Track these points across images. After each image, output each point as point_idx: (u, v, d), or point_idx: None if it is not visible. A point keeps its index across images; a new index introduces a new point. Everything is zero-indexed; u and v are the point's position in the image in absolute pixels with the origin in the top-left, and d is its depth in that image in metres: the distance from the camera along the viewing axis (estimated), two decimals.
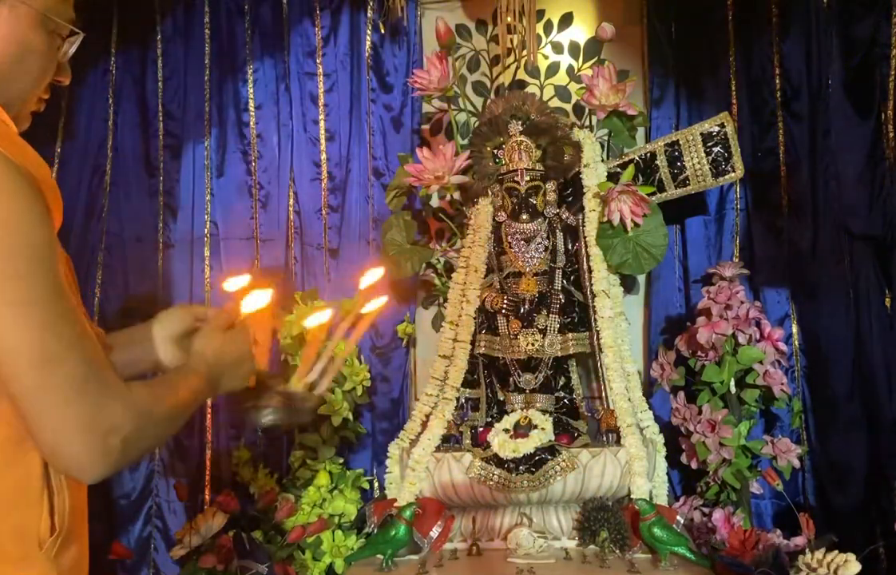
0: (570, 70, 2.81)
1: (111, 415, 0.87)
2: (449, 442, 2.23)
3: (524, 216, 2.35)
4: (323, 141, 2.88)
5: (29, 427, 0.86)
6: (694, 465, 2.37)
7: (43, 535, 0.91)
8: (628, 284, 2.61)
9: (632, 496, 2.08)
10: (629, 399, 2.25)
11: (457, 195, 2.50)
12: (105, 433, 0.86)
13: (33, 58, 0.98)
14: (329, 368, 1.29)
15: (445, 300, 2.47)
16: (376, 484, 2.67)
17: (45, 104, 1.07)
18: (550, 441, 2.11)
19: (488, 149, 2.39)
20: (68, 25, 1.02)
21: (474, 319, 2.35)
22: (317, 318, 1.32)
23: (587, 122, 2.70)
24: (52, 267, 0.86)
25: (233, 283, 1.32)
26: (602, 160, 2.44)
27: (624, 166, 2.41)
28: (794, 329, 2.58)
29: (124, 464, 0.92)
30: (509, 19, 2.58)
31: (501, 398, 2.37)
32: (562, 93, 2.81)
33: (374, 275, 1.34)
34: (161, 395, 0.98)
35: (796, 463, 2.34)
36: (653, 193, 2.36)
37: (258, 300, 1.23)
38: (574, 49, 2.82)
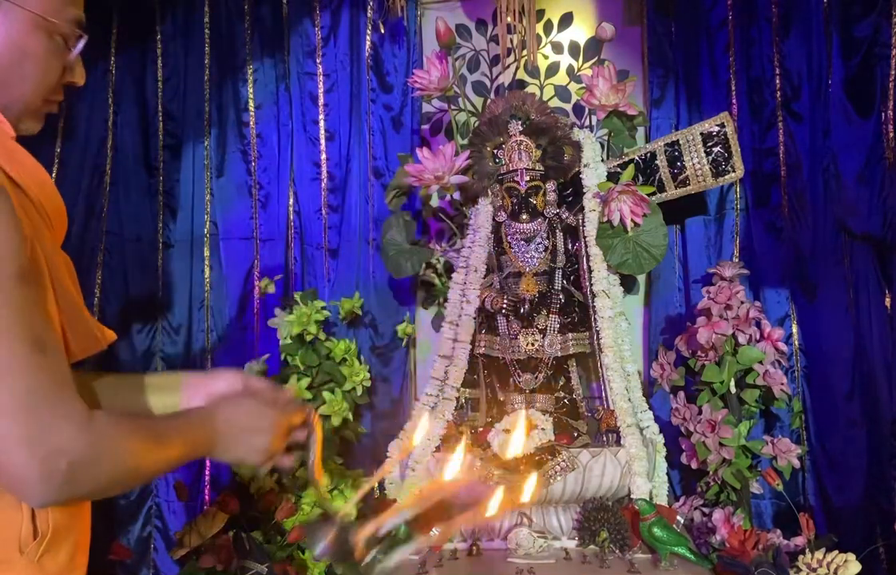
0: (570, 70, 2.82)
1: (58, 435, 0.81)
2: (449, 442, 2.23)
3: (524, 216, 2.35)
4: (323, 141, 2.88)
5: None
6: (694, 465, 2.37)
7: (24, 539, 0.88)
8: (628, 284, 2.61)
9: (632, 496, 2.08)
10: (629, 399, 2.25)
11: (457, 195, 2.50)
12: (49, 453, 0.80)
13: (31, 61, 0.95)
14: (392, 537, 1.05)
15: (445, 300, 2.47)
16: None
17: (57, 106, 1.03)
18: (550, 441, 2.11)
19: (488, 149, 2.39)
20: (69, 27, 0.98)
21: (474, 318, 2.35)
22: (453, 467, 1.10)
23: (587, 122, 2.70)
24: (10, 275, 0.82)
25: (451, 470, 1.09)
26: (602, 160, 2.44)
27: (624, 166, 2.41)
28: (794, 329, 2.58)
29: (74, 494, 0.85)
30: (509, 19, 2.58)
31: (501, 398, 2.37)
32: (562, 93, 2.81)
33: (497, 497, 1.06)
34: (136, 433, 0.90)
35: (796, 463, 2.34)
36: (653, 193, 2.36)
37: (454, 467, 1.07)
38: (574, 49, 2.82)
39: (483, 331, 2.35)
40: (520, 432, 1.41)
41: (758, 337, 2.36)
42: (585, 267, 2.36)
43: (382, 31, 2.86)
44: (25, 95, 0.96)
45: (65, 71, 1.01)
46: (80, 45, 1.00)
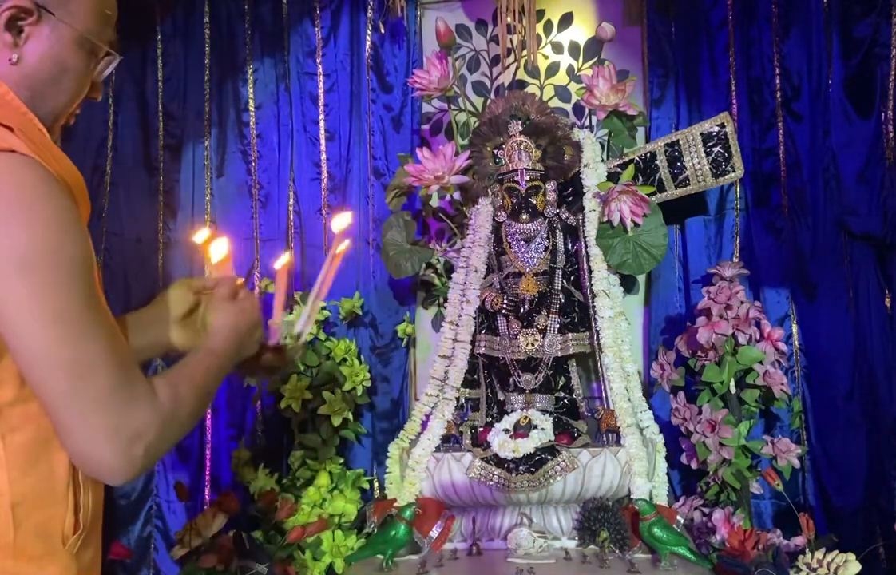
0: (570, 70, 2.82)
1: (137, 421, 0.88)
2: (449, 442, 2.23)
3: (524, 216, 2.35)
4: (323, 141, 2.88)
5: (58, 432, 0.87)
6: (694, 465, 2.37)
7: (67, 532, 0.93)
8: (628, 284, 2.61)
9: (632, 496, 2.08)
10: (629, 399, 2.25)
11: (457, 195, 2.50)
12: (131, 439, 0.87)
13: (69, 76, 1.00)
14: (312, 313, 1.31)
15: (445, 300, 2.47)
16: (376, 484, 2.67)
17: (74, 119, 1.09)
18: (550, 441, 2.11)
19: (488, 149, 2.39)
20: (106, 47, 1.04)
21: (474, 319, 2.35)
22: (339, 221, 1.35)
23: (587, 122, 2.70)
24: (88, 276, 0.88)
25: (199, 236, 1.36)
26: (602, 160, 2.44)
27: (624, 166, 2.41)
28: (794, 329, 2.58)
29: (150, 466, 0.95)
30: (509, 19, 2.58)
31: (501, 398, 2.37)
32: (562, 93, 2.81)
33: (343, 219, 1.37)
34: (183, 391, 0.98)
35: (796, 463, 2.34)
36: (653, 193, 2.36)
37: (219, 249, 1.26)
38: (574, 49, 2.82)
39: (483, 331, 2.35)
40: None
41: (758, 337, 2.36)
42: (585, 267, 2.36)
43: (382, 31, 2.86)
44: (58, 108, 1.02)
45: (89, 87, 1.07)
46: (114, 65, 1.08)
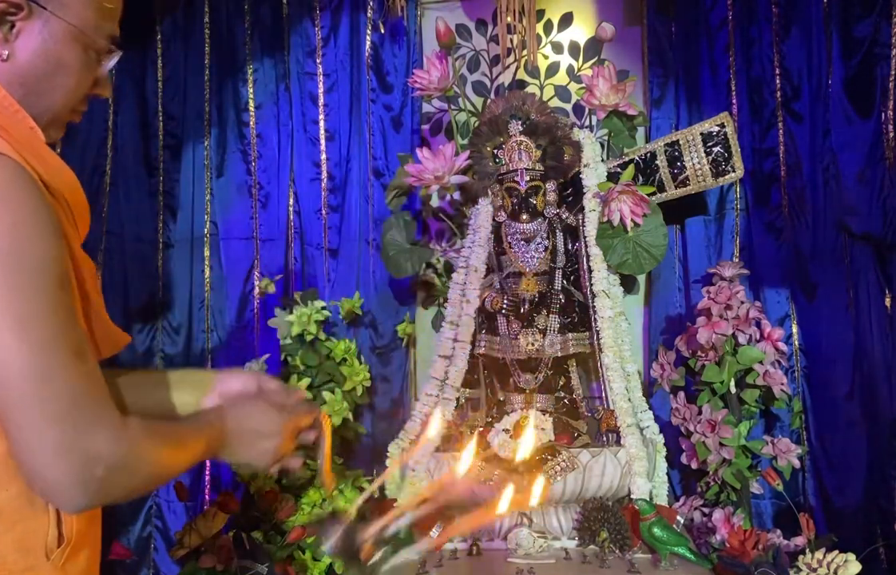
0: (570, 70, 2.81)
1: (96, 442, 0.82)
2: (449, 442, 2.23)
3: (524, 216, 2.35)
4: (323, 141, 2.88)
5: (11, 446, 0.82)
6: (694, 465, 2.37)
7: (51, 545, 0.90)
8: (628, 284, 2.61)
9: (632, 496, 2.08)
10: (629, 399, 2.25)
11: (457, 195, 2.50)
12: (86, 461, 0.82)
13: (65, 72, 0.97)
14: (397, 537, 1.06)
15: (445, 300, 2.47)
16: None
17: (80, 116, 1.05)
18: (550, 441, 2.11)
19: (488, 149, 2.39)
20: (103, 42, 1.00)
21: (474, 318, 2.35)
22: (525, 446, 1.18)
23: (587, 122, 2.70)
24: (54, 282, 0.83)
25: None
26: (602, 160, 2.44)
27: (624, 166, 2.41)
28: (794, 329, 2.58)
29: (107, 499, 0.88)
30: (509, 19, 2.58)
31: (501, 398, 2.37)
32: (562, 93, 2.81)
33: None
34: (162, 438, 0.92)
35: (796, 463, 2.34)
36: (653, 193, 2.36)
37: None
38: (574, 49, 2.82)
39: (483, 331, 2.35)
40: (529, 435, 1.39)
41: (758, 337, 2.36)
42: (585, 267, 2.36)
43: (382, 31, 2.86)
44: (55, 105, 0.98)
45: (94, 83, 1.03)
46: (114, 60, 1.03)
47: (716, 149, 2.39)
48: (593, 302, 2.31)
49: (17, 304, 0.80)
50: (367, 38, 2.87)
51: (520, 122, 2.34)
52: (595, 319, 2.30)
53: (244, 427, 1.05)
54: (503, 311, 2.31)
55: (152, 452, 0.90)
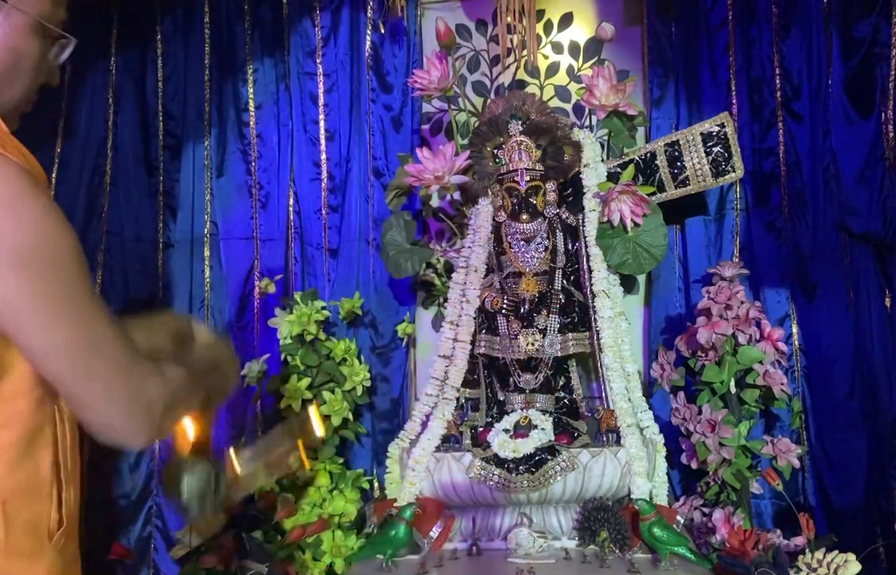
0: (570, 70, 2.82)
1: (151, 390, 0.94)
2: (449, 442, 2.23)
3: (524, 216, 2.35)
4: (323, 141, 2.88)
5: (80, 413, 0.93)
6: (694, 465, 2.37)
7: (53, 528, 0.95)
8: (628, 284, 2.61)
9: (632, 496, 2.07)
10: (629, 399, 2.24)
11: (457, 195, 2.50)
12: (148, 407, 0.94)
13: (26, 63, 0.99)
14: (267, 470, 1.32)
15: (445, 300, 2.47)
16: (376, 484, 2.67)
17: (32, 105, 1.06)
18: (550, 441, 2.11)
19: (488, 149, 2.39)
20: (61, 31, 1.02)
21: (474, 318, 2.35)
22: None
23: (587, 122, 2.70)
24: (78, 263, 0.91)
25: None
26: (602, 160, 2.44)
27: (624, 166, 2.41)
28: (794, 329, 2.58)
29: (162, 434, 1.02)
30: (509, 19, 2.58)
31: (501, 398, 2.37)
32: (562, 93, 2.81)
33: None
34: (186, 376, 1.04)
35: (796, 463, 2.34)
36: (653, 193, 2.36)
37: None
38: (574, 49, 2.82)
39: (483, 331, 2.35)
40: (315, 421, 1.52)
41: (758, 337, 2.36)
42: (585, 267, 2.36)
43: (382, 31, 2.86)
44: (16, 96, 1.00)
45: (46, 73, 1.05)
46: (69, 49, 1.05)
47: (716, 149, 2.39)
48: (593, 302, 2.31)
49: (58, 294, 0.87)
50: (367, 38, 2.87)
51: (520, 122, 2.34)
52: (595, 319, 2.29)
53: (217, 362, 1.20)
54: (503, 311, 2.31)
55: (182, 389, 1.02)
